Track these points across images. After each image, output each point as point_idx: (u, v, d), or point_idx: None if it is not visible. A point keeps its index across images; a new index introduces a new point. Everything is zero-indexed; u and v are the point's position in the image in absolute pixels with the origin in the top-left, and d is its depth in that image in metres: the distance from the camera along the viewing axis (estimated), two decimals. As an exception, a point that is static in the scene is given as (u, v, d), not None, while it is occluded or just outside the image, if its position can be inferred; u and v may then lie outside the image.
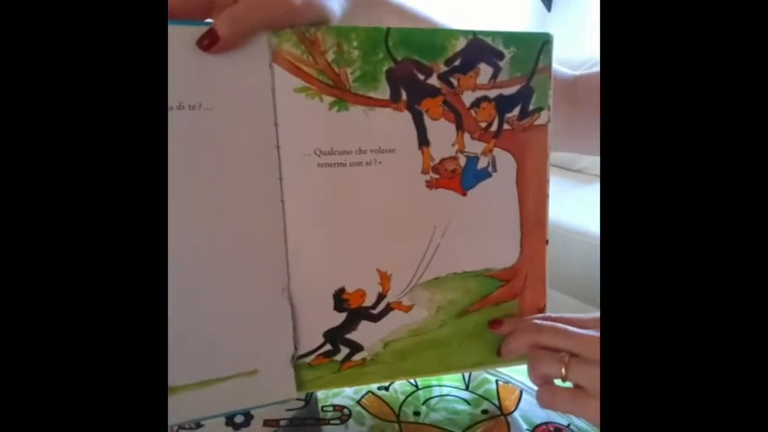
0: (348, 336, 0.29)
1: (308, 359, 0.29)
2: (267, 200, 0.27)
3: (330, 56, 0.26)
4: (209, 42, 0.24)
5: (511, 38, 0.29)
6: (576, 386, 0.26)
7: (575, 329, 0.27)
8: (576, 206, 1.16)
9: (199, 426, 0.31)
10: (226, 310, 0.27)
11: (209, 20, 0.26)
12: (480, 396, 0.34)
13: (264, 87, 0.26)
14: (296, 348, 0.29)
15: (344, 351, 0.30)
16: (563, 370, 0.26)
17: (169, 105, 0.25)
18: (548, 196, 0.31)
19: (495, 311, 0.32)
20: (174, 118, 0.25)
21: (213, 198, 0.26)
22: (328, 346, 0.29)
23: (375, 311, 0.30)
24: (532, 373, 0.28)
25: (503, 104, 0.29)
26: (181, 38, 0.24)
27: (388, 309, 0.30)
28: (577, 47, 1.99)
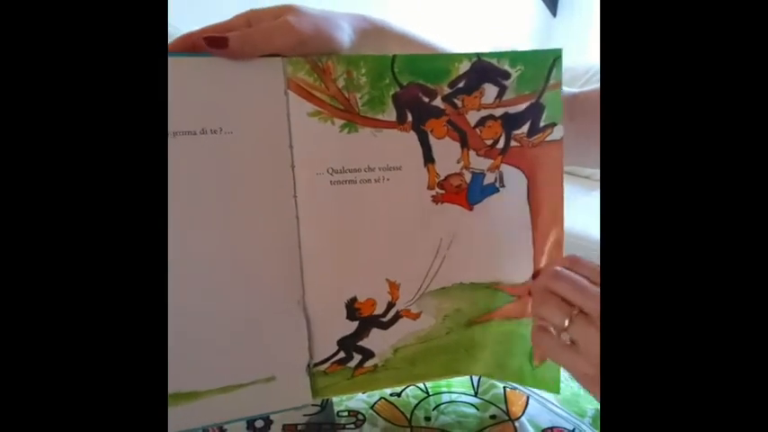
0: (360, 343, 0.31)
1: (323, 367, 0.31)
2: (283, 216, 0.29)
3: (341, 82, 0.28)
4: (217, 44, 0.25)
5: (518, 57, 0.30)
6: (572, 341, 0.26)
7: (593, 288, 0.25)
8: (583, 212, 1.17)
9: (222, 430, 0.32)
10: (245, 320, 0.29)
11: None
12: (488, 401, 0.35)
13: (280, 112, 0.28)
14: (311, 356, 0.30)
15: (357, 358, 0.31)
16: (566, 322, 0.25)
17: (192, 130, 0.27)
18: (562, 215, 0.31)
19: (506, 325, 0.32)
20: (197, 141, 0.27)
21: (233, 215, 0.28)
22: (342, 354, 0.31)
23: (385, 319, 0.31)
24: (534, 312, 0.27)
25: (509, 122, 0.30)
26: (203, 68, 0.26)
27: (398, 316, 0.31)
28: (582, 53, 2.00)
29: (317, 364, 0.30)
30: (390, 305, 0.31)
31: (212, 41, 0.25)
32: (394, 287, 0.31)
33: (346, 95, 0.28)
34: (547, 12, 2.15)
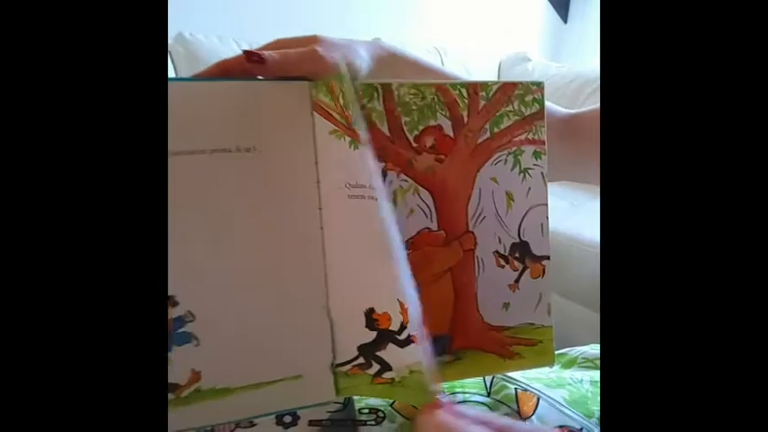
0: (378, 353, 0.32)
1: (345, 368, 0.33)
2: (309, 227, 0.31)
3: (341, 100, 0.30)
4: (255, 59, 0.29)
5: None
6: None
7: None
8: (589, 219, 1.18)
9: (252, 424, 0.35)
10: (275, 322, 0.31)
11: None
12: (500, 401, 0.37)
13: (307, 132, 0.31)
14: (334, 357, 0.32)
15: (376, 367, 0.32)
16: None
17: (228, 148, 0.29)
18: None
19: None
20: (232, 159, 0.29)
21: (264, 225, 0.30)
22: (361, 359, 0.32)
23: (400, 337, 0.32)
24: None
25: None
26: (237, 91, 0.29)
27: (410, 339, 0.31)
28: (594, 59, 2.00)
29: (339, 365, 0.33)
30: (403, 326, 0.31)
31: (251, 56, 0.29)
32: (404, 309, 0.31)
33: (346, 113, 0.30)
34: (557, 18, 2.16)
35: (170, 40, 1.10)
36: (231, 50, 1.10)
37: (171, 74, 1.19)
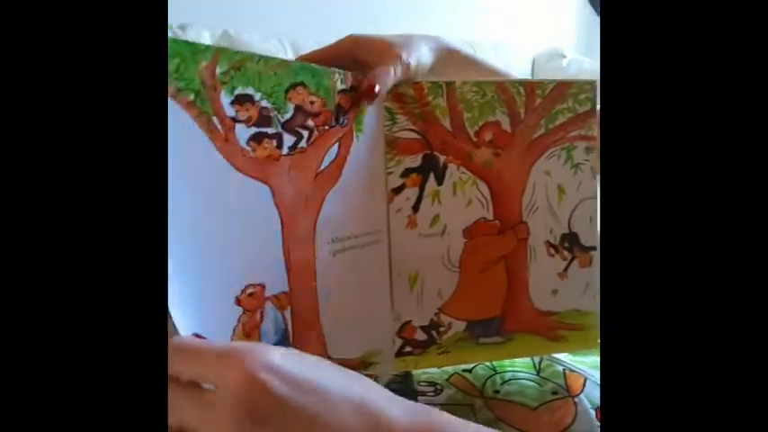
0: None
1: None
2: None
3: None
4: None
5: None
6: None
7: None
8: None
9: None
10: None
11: None
12: (547, 378, 0.39)
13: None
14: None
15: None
16: None
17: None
18: None
19: None
20: None
21: None
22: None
23: None
24: None
25: None
26: None
27: None
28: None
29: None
30: None
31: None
32: None
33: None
34: (590, 9, 2.13)
35: (216, 38, 1.15)
36: (274, 48, 1.15)
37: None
